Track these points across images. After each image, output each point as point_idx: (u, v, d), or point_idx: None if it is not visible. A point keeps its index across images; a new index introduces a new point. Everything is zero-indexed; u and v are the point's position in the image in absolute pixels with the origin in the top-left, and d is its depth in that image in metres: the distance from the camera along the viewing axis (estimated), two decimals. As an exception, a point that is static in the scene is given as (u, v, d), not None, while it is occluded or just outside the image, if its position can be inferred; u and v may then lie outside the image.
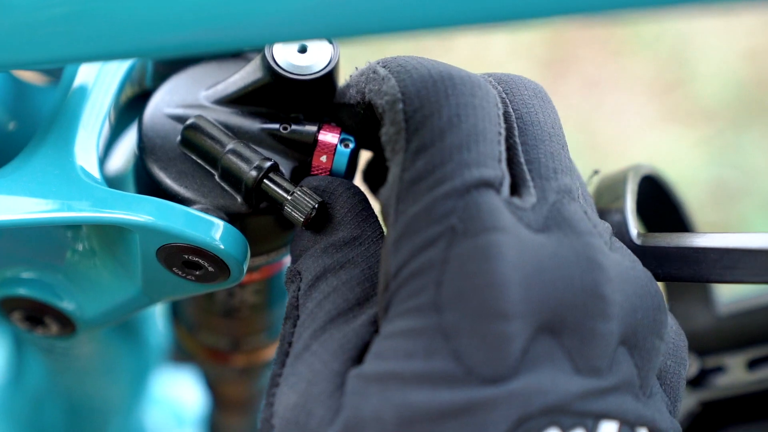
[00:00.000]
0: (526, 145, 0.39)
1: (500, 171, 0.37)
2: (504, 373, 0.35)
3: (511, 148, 0.39)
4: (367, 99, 0.42)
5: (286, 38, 0.41)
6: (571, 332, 0.35)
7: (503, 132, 0.38)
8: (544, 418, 0.34)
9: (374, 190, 0.48)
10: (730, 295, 0.56)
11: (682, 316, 0.52)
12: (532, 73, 1.55)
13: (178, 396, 0.74)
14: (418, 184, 0.37)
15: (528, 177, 0.39)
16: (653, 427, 0.37)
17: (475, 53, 1.56)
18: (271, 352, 0.56)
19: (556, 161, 0.39)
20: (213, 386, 0.61)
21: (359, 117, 0.43)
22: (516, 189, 0.38)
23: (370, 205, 0.42)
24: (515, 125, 0.40)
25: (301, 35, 0.37)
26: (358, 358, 0.38)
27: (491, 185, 0.37)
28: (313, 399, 0.37)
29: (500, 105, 0.39)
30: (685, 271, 0.41)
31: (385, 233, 0.41)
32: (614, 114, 1.54)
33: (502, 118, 0.39)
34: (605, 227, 0.39)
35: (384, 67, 0.41)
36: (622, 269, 0.37)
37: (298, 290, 0.40)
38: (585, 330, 0.35)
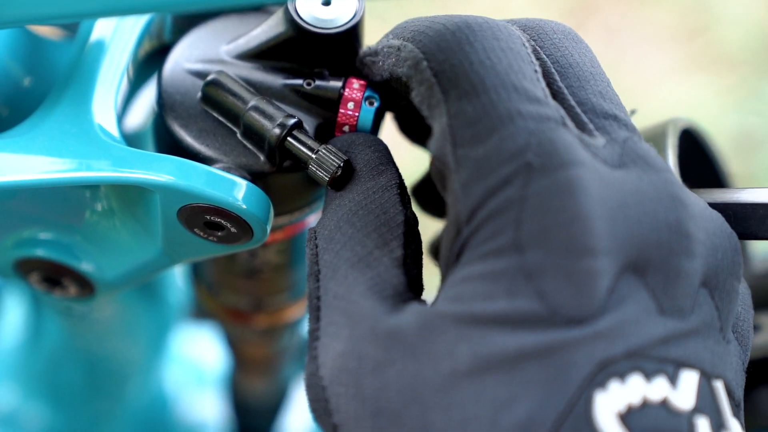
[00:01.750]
0: (571, 88, 0.38)
1: (555, 107, 0.36)
2: (590, 312, 0.33)
3: (556, 93, 0.38)
4: (386, 76, 0.40)
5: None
6: (656, 270, 0.34)
7: (539, 71, 0.37)
8: (628, 362, 0.33)
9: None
10: (765, 252, 0.55)
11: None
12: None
13: (198, 354, 0.73)
14: (474, 127, 0.35)
15: (585, 119, 0.37)
16: (726, 380, 0.36)
17: (494, 3, 1.54)
18: (293, 312, 0.55)
19: (608, 100, 0.38)
20: (234, 346, 0.60)
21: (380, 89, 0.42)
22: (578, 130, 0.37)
23: (390, 159, 0.41)
24: (552, 70, 0.38)
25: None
26: (391, 300, 0.37)
27: (556, 120, 0.35)
28: (360, 341, 0.35)
29: (528, 44, 0.38)
30: (734, 228, 0.39)
31: (401, 181, 0.40)
32: (636, 62, 1.52)
33: (533, 58, 0.37)
34: (671, 167, 0.38)
35: (396, 37, 0.40)
36: (702, 208, 0.36)
37: (316, 247, 0.39)
38: (670, 268, 0.34)
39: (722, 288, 0.36)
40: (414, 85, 0.38)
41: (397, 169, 0.41)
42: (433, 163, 0.38)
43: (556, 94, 0.38)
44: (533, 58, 0.37)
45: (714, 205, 0.38)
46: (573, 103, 0.37)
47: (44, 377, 0.65)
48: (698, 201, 0.36)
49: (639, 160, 0.36)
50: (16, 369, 0.66)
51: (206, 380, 0.73)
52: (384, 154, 0.41)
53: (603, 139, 0.36)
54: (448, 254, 0.36)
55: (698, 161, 0.48)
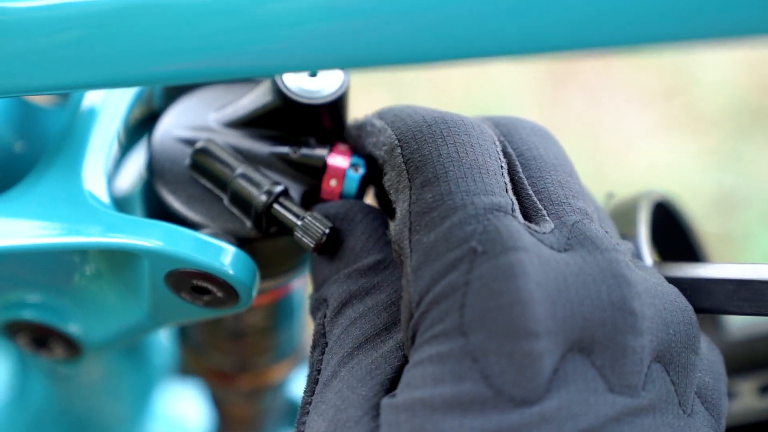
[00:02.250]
0: (531, 179, 0.39)
1: (509, 199, 0.37)
2: (535, 393, 0.34)
3: (517, 183, 0.39)
4: (367, 152, 0.42)
5: (296, 69, 0.40)
6: (602, 349, 0.35)
7: (505, 166, 0.38)
8: None
9: None
10: (741, 319, 0.56)
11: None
12: (534, 82, 1.55)
13: (182, 412, 0.73)
14: (429, 214, 0.37)
15: (540, 206, 0.39)
16: None
17: (478, 70, 1.56)
18: (277, 373, 0.55)
19: (565, 188, 0.39)
20: (218, 405, 0.61)
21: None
22: (530, 219, 0.38)
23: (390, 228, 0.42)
24: (517, 162, 0.40)
25: (310, 66, 0.37)
26: (388, 383, 0.37)
27: (505, 210, 0.36)
28: (341, 426, 0.36)
29: (497, 143, 0.39)
30: (702, 303, 0.40)
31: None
32: (616, 121, 1.54)
33: (501, 154, 0.39)
34: (627, 247, 0.38)
35: (380, 118, 0.41)
36: (649, 284, 0.37)
37: (324, 317, 0.40)
38: (616, 346, 0.35)
39: (677, 362, 0.37)
40: (387, 170, 0.40)
41: None
42: (393, 248, 0.39)
43: (516, 185, 0.39)
44: (501, 155, 0.39)
45: (684, 280, 0.39)
46: (530, 192, 0.39)
47: (28, 435, 0.65)
48: (647, 278, 0.37)
49: (586, 241, 0.37)
50: (0, 428, 0.66)
51: (190, 437, 0.74)
52: (384, 221, 0.42)
53: (552, 224, 0.38)
54: (405, 337, 0.37)
55: (672, 234, 0.49)
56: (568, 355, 0.34)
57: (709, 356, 0.40)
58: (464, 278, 0.35)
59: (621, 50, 0.33)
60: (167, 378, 0.68)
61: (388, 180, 0.40)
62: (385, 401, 0.36)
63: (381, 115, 0.42)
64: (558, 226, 0.37)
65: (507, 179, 0.38)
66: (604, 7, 0.31)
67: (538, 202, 0.39)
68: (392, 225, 0.39)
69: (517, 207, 0.37)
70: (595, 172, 1.43)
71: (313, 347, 0.40)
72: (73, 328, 0.46)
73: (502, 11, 0.32)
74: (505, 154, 0.40)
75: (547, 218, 0.38)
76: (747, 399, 0.51)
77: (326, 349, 0.39)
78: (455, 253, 0.36)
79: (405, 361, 0.38)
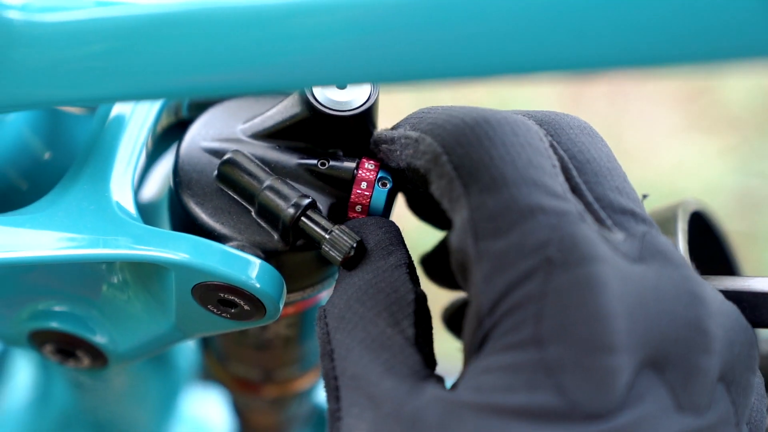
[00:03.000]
0: (588, 183, 0.38)
1: (575, 203, 0.36)
2: (609, 408, 0.33)
3: (574, 188, 0.38)
4: (403, 165, 0.41)
5: (324, 82, 0.40)
6: (675, 367, 0.35)
7: (557, 165, 0.37)
8: None
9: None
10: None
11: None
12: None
13: (206, 416, 0.74)
14: (496, 221, 0.36)
15: (603, 215, 0.38)
16: None
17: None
18: (302, 383, 0.55)
19: (624, 195, 0.39)
20: (242, 414, 0.61)
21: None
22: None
23: (400, 239, 0.42)
24: (570, 165, 0.39)
25: (340, 80, 0.37)
26: (409, 377, 0.37)
27: (576, 216, 0.36)
28: (385, 424, 0.36)
29: (545, 139, 0.38)
30: (745, 317, 0.40)
31: (410, 261, 0.41)
32: (640, 121, 1.53)
33: (551, 151, 0.38)
34: (688, 261, 0.38)
35: (414, 129, 0.40)
36: (719, 303, 0.37)
37: (327, 326, 0.40)
38: (688, 365, 0.35)
39: (738, 382, 0.37)
40: (433, 179, 0.39)
41: (406, 249, 0.41)
42: (453, 255, 0.38)
43: (574, 189, 0.38)
44: (551, 153, 0.38)
45: (726, 293, 0.39)
46: (591, 198, 0.38)
47: (52, 438, 0.65)
48: (716, 296, 0.37)
49: (658, 254, 0.36)
50: (24, 429, 0.66)
51: (213, 441, 0.74)
52: (394, 234, 0.42)
53: (622, 234, 0.37)
54: (470, 343, 0.37)
55: (707, 244, 0.48)
56: (643, 371, 0.34)
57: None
58: (541, 288, 0.35)
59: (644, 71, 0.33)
60: (192, 382, 0.68)
61: (436, 189, 0.39)
62: (443, 394, 0.36)
63: (413, 124, 0.41)
64: (628, 236, 0.37)
65: (563, 180, 0.37)
66: (632, 26, 0.31)
67: (600, 210, 0.38)
68: (452, 234, 0.38)
69: (585, 212, 0.36)
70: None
71: (322, 356, 0.40)
72: (100, 339, 0.46)
73: (533, 29, 0.32)
74: (557, 155, 0.39)
75: (614, 227, 0.37)
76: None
77: (334, 355, 0.39)
78: (531, 261, 0.35)
79: (419, 354, 0.38)
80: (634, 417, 0.34)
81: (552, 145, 0.39)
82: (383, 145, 0.43)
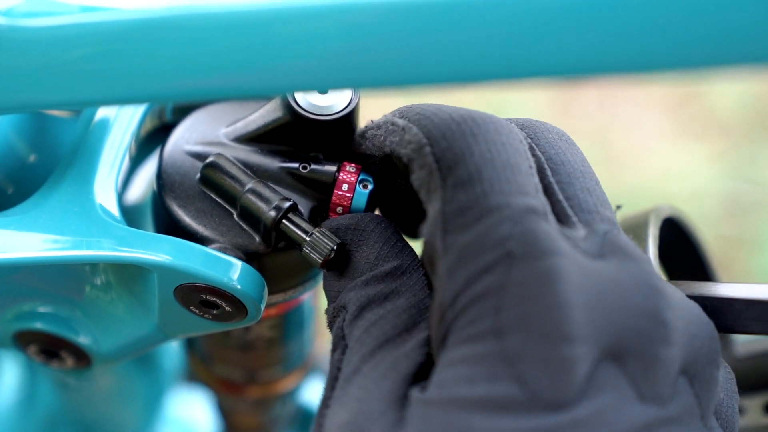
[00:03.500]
0: (561, 184, 0.39)
1: (542, 201, 0.37)
2: (569, 398, 0.34)
3: (547, 188, 0.39)
4: (386, 151, 0.42)
5: (305, 88, 0.41)
6: (635, 358, 0.35)
7: (534, 166, 0.38)
8: None
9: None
10: (747, 336, 0.56)
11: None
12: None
13: (191, 417, 0.74)
14: (464, 215, 0.37)
15: (570, 212, 0.39)
16: None
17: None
18: (286, 384, 0.56)
19: (593, 196, 0.39)
20: (226, 415, 0.61)
21: (375, 168, 0.43)
22: (561, 224, 0.38)
23: (402, 236, 0.42)
24: (546, 166, 0.40)
25: (321, 85, 0.37)
26: (411, 379, 0.38)
27: (540, 213, 0.36)
28: (366, 416, 0.36)
29: (524, 141, 0.39)
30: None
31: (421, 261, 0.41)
32: (629, 126, 1.54)
33: (529, 153, 0.39)
34: (650, 258, 0.39)
35: (402, 117, 0.41)
36: (679, 297, 0.37)
37: (343, 321, 0.40)
38: (648, 356, 0.35)
39: (701, 376, 0.37)
40: (415, 168, 0.39)
41: (411, 247, 0.42)
42: (424, 248, 0.39)
43: (546, 189, 0.39)
44: (529, 155, 0.39)
45: (692, 298, 0.40)
46: (561, 197, 0.39)
47: (38, 439, 0.66)
48: (676, 291, 0.38)
49: (618, 250, 0.37)
50: (10, 430, 0.67)
51: (198, 442, 0.74)
52: (397, 231, 0.42)
53: (584, 231, 0.38)
54: (435, 337, 0.37)
55: (681, 251, 0.49)
56: (603, 362, 0.35)
57: (722, 373, 0.40)
58: (501, 281, 0.35)
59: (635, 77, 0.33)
60: (176, 383, 0.68)
61: (416, 179, 0.39)
62: (416, 395, 0.36)
63: (402, 113, 0.41)
64: (590, 233, 0.38)
65: (537, 180, 0.38)
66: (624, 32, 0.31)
67: (568, 208, 0.39)
68: (424, 225, 0.38)
69: (549, 210, 0.37)
70: (607, 177, 1.43)
71: (333, 350, 0.40)
72: (84, 339, 0.46)
73: (521, 35, 0.32)
74: (534, 156, 0.40)
75: (578, 225, 0.38)
76: (753, 415, 0.51)
77: (347, 349, 0.39)
78: (491, 255, 0.36)
79: (427, 358, 0.38)
80: (595, 407, 0.34)
81: (531, 147, 0.40)
82: (369, 131, 0.43)
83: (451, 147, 0.38)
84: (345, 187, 0.44)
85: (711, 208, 1.45)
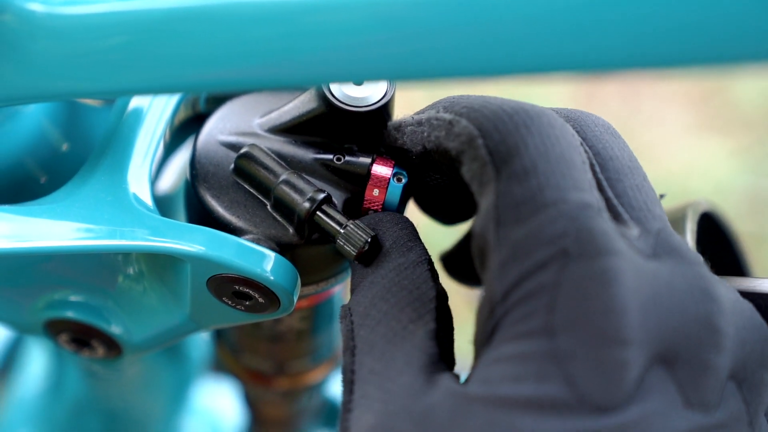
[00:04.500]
0: (610, 180, 0.39)
1: (597, 198, 0.36)
2: (618, 401, 0.34)
3: (597, 184, 0.38)
4: (429, 147, 0.41)
5: (341, 79, 0.41)
6: (684, 364, 0.35)
7: (586, 161, 0.38)
8: None
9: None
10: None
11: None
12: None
13: (217, 407, 0.74)
14: (519, 209, 0.36)
15: (621, 210, 0.38)
16: None
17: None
18: (314, 375, 0.56)
19: (643, 193, 0.39)
20: (253, 405, 0.61)
21: (411, 162, 0.43)
22: (614, 221, 0.38)
23: (416, 235, 0.42)
24: (594, 161, 0.39)
25: (356, 77, 0.37)
26: (427, 370, 0.37)
27: (596, 210, 0.36)
28: (392, 416, 0.36)
29: (577, 136, 0.39)
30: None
31: (430, 257, 0.41)
32: (651, 120, 1.53)
33: (582, 148, 0.38)
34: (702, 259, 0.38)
35: (447, 111, 0.40)
36: (732, 301, 0.37)
37: (351, 323, 0.40)
38: (698, 362, 0.35)
39: (751, 380, 0.37)
40: (466, 161, 0.39)
41: (423, 245, 0.42)
42: (474, 240, 0.38)
43: (597, 185, 0.38)
44: (581, 150, 0.38)
45: (744, 295, 0.39)
46: (611, 194, 0.38)
47: (64, 426, 0.66)
48: (729, 291, 0.37)
49: (672, 251, 0.36)
50: (37, 416, 0.67)
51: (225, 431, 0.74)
52: (411, 230, 0.42)
53: (637, 229, 0.37)
54: (481, 332, 0.37)
55: (717, 245, 0.49)
56: (652, 366, 0.34)
57: None
58: (555, 278, 0.35)
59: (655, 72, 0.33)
60: (204, 373, 0.68)
61: (468, 171, 0.39)
62: (457, 389, 0.36)
63: (446, 107, 0.41)
64: (642, 232, 0.37)
65: (590, 176, 0.37)
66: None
67: (618, 205, 0.38)
68: (476, 218, 0.38)
69: (604, 207, 0.37)
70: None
71: (344, 352, 0.40)
72: (116, 329, 0.46)
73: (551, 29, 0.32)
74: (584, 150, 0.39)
75: (630, 222, 0.38)
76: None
77: (356, 350, 0.39)
78: (546, 252, 0.35)
79: (438, 348, 0.38)
80: (642, 412, 0.34)
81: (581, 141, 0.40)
82: (408, 128, 0.43)
83: (505, 139, 0.37)
84: (379, 180, 0.43)
85: (733, 204, 1.44)
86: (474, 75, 0.34)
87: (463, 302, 0.52)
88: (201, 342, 0.65)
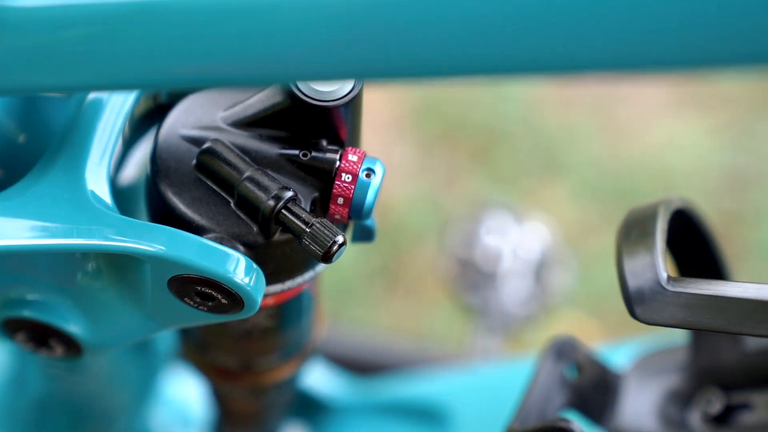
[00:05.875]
0: None
1: None
2: None
3: None
4: None
5: (306, 77, 0.39)
6: None
7: None
8: None
9: None
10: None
11: (709, 349, 0.50)
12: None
13: (186, 398, 0.73)
14: None
15: None
16: None
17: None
18: (282, 372, 0.54)
19: None
20: (220, 400, 0.60)
21: None
22: None
23: None
24: None
25: (322, 76, 0.36)
26: None
27: None
28: None
29: None
30: (717, 322, 0.39)
31: None
32: (630, 98, 1.52)
33: None
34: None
35: None
36: None
37: None
38: None
39: None
40: None
41: None
42: None
43: None
44: None
45: (699, 296, 0.38)
46: None
47: (30, 421, 0.64)
48: None
49: None
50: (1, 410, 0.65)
51: (192, 422, 0.73)
52: None
53: None
54: None
55: (692, 243, 0.47)
56: None
57: None
58: None
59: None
60: (171, 363, 0.67)
61: None
62: None
63: None
64: None
65: None
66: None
67: None
68: None
69: None
70: (608, 149, 1.42)
71: None
72: (74, 328, 0.45)
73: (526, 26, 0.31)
74: None
75: None
76: (762, 411, 0.49)
77: None
78: None
79: None
80: None
81: None
82: None
83: None
84: (347, 176, 0.42)
85: (712, 182, 1.43)
86: (440, 76, 0.33)
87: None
88: (166, 333, 0.63)
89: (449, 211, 1.28)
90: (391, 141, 1.33)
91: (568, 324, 1.20)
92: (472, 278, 0.83)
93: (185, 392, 0.71)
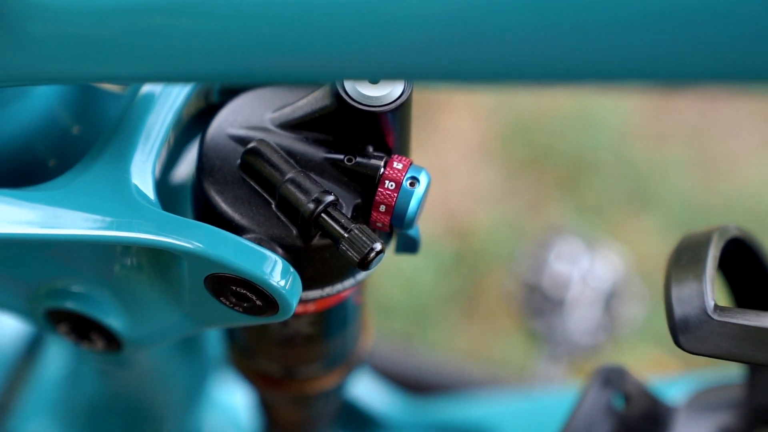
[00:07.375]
0: None
1: None
2: None
3: None
4: None
5: (357, 76, 0.39)
6: None
7: None
8: None
9: None
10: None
11: (765, 387, 0.48)
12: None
13: (233, 403, 0.73)
14: None
15: None
16: None
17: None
18: (326, 382, 0.54)
19: None
20: (266, 408, 0.59)
21: None
22: None
23: None
24: None
25: (375, 75, 0.35)
26: None
27: None
28: None
29: None
30: (763, 355, 0.37)
31: None
32: (728, 132, 1.49)
33: None
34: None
35: None
36: None
37: None
38: None
39: None
40: None
41: None
42: None
43: None
44: None
45: (747, 328, 0.37)
46: None
47: (83, 418, 0.65)
48: None
49: None
50: (55, 404, 0.66)
51: (243, 427, 0.73)
52: None
53: None
54: None
55: (748, 273, 0.46)
56: None
57: None
58: None
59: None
60: (219, 369, 0.67)
61: None
62: None
63: None
64: None
65: None
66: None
67: None
68: None
69: None
70: (701, 185, 1.38)
71: None
72: (113, 321, 0.45)
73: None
74: None
75: None
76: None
77: None
78: None
79: None
80: None
81: None
82: None
83: None
84: (390, 184, 0.41)
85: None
86: (508, 81, 0.32)
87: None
88: (216, 338, 0.63)
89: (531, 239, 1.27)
90: (477, 164, 1.32)
91: (642, 358, 1.17)
92: (539, 304, 0.81)
93: (234, 399, 0.71)
